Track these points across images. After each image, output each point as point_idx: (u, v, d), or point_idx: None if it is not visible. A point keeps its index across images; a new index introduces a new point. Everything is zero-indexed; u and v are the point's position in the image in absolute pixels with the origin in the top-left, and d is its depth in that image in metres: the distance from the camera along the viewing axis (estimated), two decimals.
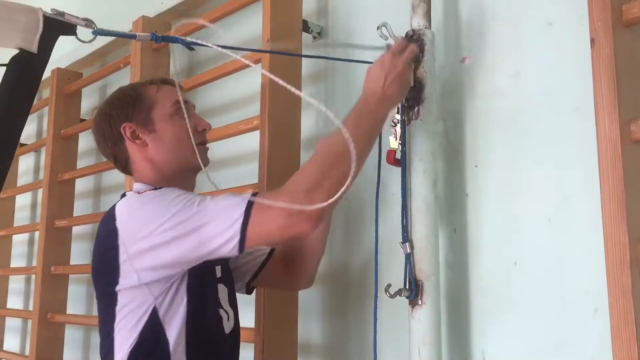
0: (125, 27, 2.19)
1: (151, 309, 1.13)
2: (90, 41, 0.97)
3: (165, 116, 1.26)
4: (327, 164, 1.04)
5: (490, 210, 1.26)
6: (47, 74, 2.02)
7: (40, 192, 2.72)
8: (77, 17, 0.93)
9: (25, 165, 3.19)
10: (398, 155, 1.26)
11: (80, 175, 2.53)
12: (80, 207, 2.63)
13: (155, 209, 1.11)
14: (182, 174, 1.28)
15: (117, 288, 1.13)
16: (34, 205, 3.12)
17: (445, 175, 1.33)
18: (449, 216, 1.32)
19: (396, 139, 1.26)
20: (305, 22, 1.69)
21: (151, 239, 1.08)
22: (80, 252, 2.60)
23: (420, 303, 1.18)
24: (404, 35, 1.27)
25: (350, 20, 1.66)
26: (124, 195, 1.25)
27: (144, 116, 1.26)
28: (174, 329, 1.14)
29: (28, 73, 0.89)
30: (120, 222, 1.13)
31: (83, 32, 1.04)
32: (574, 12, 1.14)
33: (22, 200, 3.14)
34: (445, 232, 1.31)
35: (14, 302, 3.06)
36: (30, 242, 3.07)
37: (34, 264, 2.64)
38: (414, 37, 1.26)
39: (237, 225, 1.03)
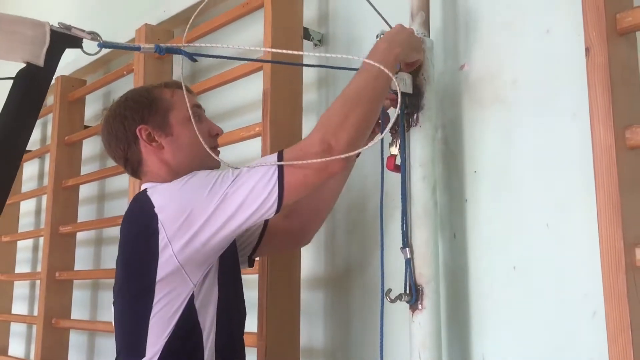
0: (129, 36, 2.22)
1: (189, 297, 1.15)
2: (96, 53, 0.99)
3: (182, 120, 1.27)
4: (348, 104, 1.11)
5: (489, 215, 1.28)
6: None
7: (44, 198, 2.74)
8: (83, 31, 0.94)
9: (29, 172, 3.21)
10: (398, 162, 1.27)
11: (84, 181, 2.55)
12: (84, 213, 2.65)
13: (194, 187, 1.13)
14: None
15: (158, 279, 1.13)
16: (38, 211, 3.14)
17: (445, 181, 1.35)
18: (449, 221, 1.33)
19: (396, 146, 1.28)
20: (306, 30, 1.71)
21: (194, 214, 1.10)
22: (85, 258, 2.63)
23: (420, 307, 1.19)
24: None
25: (351, 27, 1.68)
26: (140, 194, 1.23)
27: (160, 119, 1.27)
28: (208, 317, 1.17)
29: (34, 86, 0.91)
30: (160, 207, 1.14)
31: (88, 44, 1.07)
32: (571, 20, 1.16)
33: (27, 207, 3.16)
34: (445, 237, 1.33)
35: (19, 307, 3.08)
36: (35, 247, 3.10)
37: (39, 269, 2.66)
38: None
39: (274, 179, 1.07)
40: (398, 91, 1.13)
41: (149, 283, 1.14)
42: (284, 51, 1.19)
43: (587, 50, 1.00)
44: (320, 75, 1.74)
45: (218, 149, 1.33)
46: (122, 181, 2.38)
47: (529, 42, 1.25)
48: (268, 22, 1.64)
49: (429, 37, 1.30)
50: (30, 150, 3.00)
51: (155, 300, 1.15)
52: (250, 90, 1.84)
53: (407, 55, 1.22)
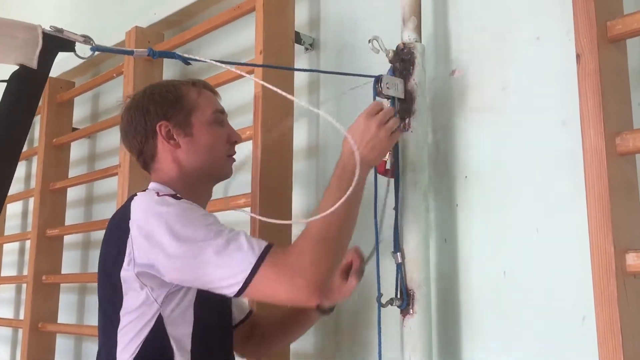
0: (119, 38, 2.21)
1: (156, 317, 1.11)
2: (89, 58, 0.98)
3: (204, 122, 1.25)
4: (331, 243, 1.08)
5: (479, 220, 1.28)
6: None
7: (31, 200, 2.71)
8: (76, 34, 0.93)
9: (16, 174, 3.17)
10: (388, 166, 1.27)
11: (72, 184, 2.53)
12: (72, 216, 2.63)
13: (173, 222, 1.07)
14: (204, 182, 1.28)
15: (124, 289, 1.11)
16: (24, 214, 3.11)
17: (436, 186, 1.35)
18: (440, 226, 1.34)
19: None
20: (297, 34, 1.71)
21: (158, 249, 1.06)
22: (72, 261, 2.60)
23: (411, 312, 1.19)
24: (395, 49, 1.29)
25: (342, 32, 1.68)
26: (130, 198, 1.19)
27: (182, 118, 1.25)
28: (181, 343, 1.13)
29: (28, 89, 0.90)
30: (134, 222, 1.10)
31: (80, 47, 1.05)
32: (561, 27, 1.17)
33: (13, 209, 3.12)
34: (436, 242, 1.33)
35: (5, 311, 3.05)
36: (21, 250, 3.07)
37: (25, 272, 2.64)
38: (404, 51, 1.28)
39: (242, 276, 1.02)
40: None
41: (118, 291, 1.12)
42: (275, 67, 1.18)
43: (578, 56, 1.00)
44: (312, 78, 1.74)
45: (234, 156, 1.32)
46: (111, 184, 2.36)
47: (519, 49, 1.26)
48: (259, 26, 1.64)
49: (421, 42, 1.31)
50: None
51: (122, 312, 1.13)
52: (241, 93, 1.84)
53: (380, 158, 1.18)
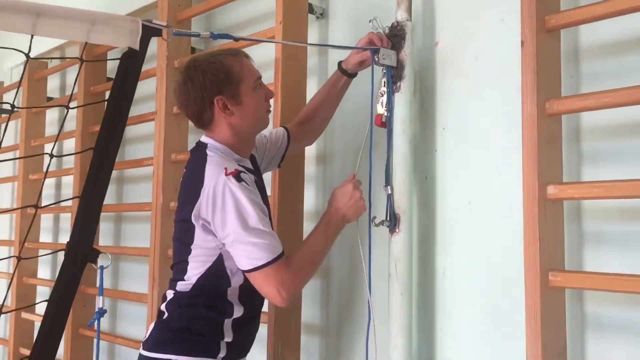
0: (141, 4, 2.52)
1: (217, 254, 1.46)
2: (170, 40, 1.31)
3: (249, 90, 1.52)
4: (311, 265, 1.52)
5: (453, 162, 1.64)
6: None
7: (72, 140, 3.05)
8: (161, 24, 1.27)
9: (56, 119, 3.52)
10: (383, 119, 1.62)
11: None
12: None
13: (234, 203, 1.39)
14: (251, 136, 1.61)
15: (196, 231, 1.44)
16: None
17: (420, 135, 1.70)
18: (422, 167, 1.69)
19: (382, 106, 1.63)
20: (310, 5, 2.02)
21: (218, 217, 1.40)
22: (109, 194, 2.90)
23: (397, 231, 1.56)
24: (390, 26, 1.62)
25: (348, 3, 2.00)
26: (201, 154, 1.50)
27: (233, 90, 1.49)
28: (234, 272, 1.47)
29: (134, 64, 1.24)
30: (204, 190, 1.41)
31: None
32: (519, 13, 1.48)
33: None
34: (418, 179, 1.69)
35: (45, 237, 3.45)
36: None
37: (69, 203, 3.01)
38: (397, 28, 1.61)
39: (254, 264, 1.40)
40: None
41: (190, 229, 1.46)
42: (294, 42, 1.48)
43: (522, 42, 1.33)
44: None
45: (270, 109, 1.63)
46: (139, 128, 2.70)
47: (488, 28, 1.59)
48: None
49: (411, 20, 1.63)
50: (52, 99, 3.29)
51: (193, 245, 1.48)
52: (263, 55, 2.15)
53: (357, 216, 1.55)
